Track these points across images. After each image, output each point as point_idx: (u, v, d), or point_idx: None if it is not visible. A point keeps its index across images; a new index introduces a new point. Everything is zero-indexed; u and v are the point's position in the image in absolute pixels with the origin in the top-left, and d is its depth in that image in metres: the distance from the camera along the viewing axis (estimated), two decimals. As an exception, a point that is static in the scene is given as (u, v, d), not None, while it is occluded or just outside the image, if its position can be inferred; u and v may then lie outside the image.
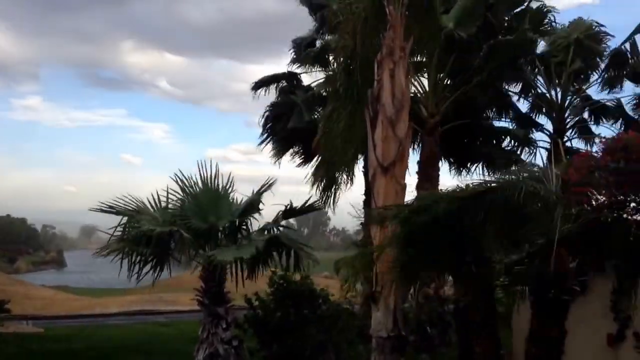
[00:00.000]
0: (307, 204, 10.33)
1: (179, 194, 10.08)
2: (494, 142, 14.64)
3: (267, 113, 14.68)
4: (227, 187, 10.34)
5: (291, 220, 11.50)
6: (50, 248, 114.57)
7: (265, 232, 10.26)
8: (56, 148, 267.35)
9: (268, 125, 14.77)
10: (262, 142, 14.93)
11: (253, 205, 10.33)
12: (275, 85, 15.22)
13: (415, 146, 13.99)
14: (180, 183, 10.13)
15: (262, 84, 15.11)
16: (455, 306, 10.78)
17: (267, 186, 10.48)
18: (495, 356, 7.19)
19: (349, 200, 15.45)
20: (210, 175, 10.28)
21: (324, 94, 14.14)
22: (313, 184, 14.11)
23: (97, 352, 12.77)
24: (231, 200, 10.28)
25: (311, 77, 15.48)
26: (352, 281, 10.20)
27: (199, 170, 10.25)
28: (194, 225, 9.71)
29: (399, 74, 7.42)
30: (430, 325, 11.84)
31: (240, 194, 10.30)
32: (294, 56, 15.31)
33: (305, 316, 10.22)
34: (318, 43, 15.45)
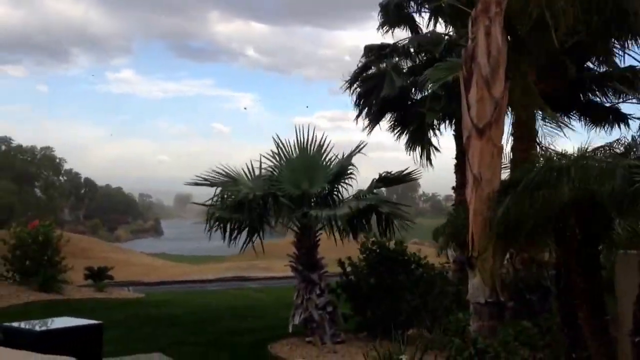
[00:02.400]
0: (403, 173, 10.33)
1: (272, 160, 10.29)
2: (597, 92, 13.73)
3: (357, 87, 14.63)
4: (322, 153, 10.47)
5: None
6: (147, 217, 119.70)
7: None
8: (149, 119, 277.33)
9: (360, 96, 14.71)
10: (358, 115, 14.86)
11: (344, 169, 10.44)
12: (363, 56, 14.99)
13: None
14: (275, 150, 10.34)
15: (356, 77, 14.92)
16: (556, 271, 10.51)
17: (358, 150, 10.53)
18: (600, 322, 7.01)
19: (440, 165, 15.32)
20: (305, 141, 10.42)
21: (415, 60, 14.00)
22: (409, 153, 14.16)
23: (196, 317, 13.30)
24: (325, 166, 10.41)
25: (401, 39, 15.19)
26: (445, 246, 10.18)
27: (296, 136, 10.41)
28: (288, 192, 9.91)
29: (495, 31, 7.21)
30: (529, 292, 11.59)
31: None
32: (382, 19, 15.05)
33: (400, 281, 10.25)
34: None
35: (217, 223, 9.86)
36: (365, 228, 10.66)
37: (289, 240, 11.11)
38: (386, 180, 10.63)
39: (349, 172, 10.62)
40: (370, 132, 14.82)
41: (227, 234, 10.04)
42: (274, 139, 10.52)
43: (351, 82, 14.70)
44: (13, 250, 15.94)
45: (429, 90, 11.69)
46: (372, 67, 14.82)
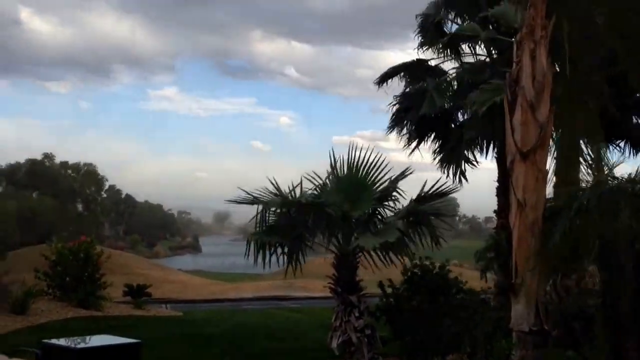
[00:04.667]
0: (441, 189, 10.22)
1: (314, 181, 10.29)
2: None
3: (396, 105, 14.60)
4: (367, 173, 10.45)
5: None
6: (186, 233, 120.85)
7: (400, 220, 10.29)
8: (189, 136, 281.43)
9: (397, 114, 14.67)
10: (391, 129, 14.80)
11: (388, 193, 10.39)
12: (402, 73, 14.98)
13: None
14: (316, 169, 10.35)
15: (389, 75, 14.96)
16: (602, 299, 10.27)
17: (404, 175, 10.48)
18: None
19: (480, 188, 15.17)
20: (350, 161, 10.41)
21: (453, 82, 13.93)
22: (444, 170, 14.07)
23: (233, 337, 13.34)
24: (369, 187, 10.39)
25: (439, 59, 15.12)
26: (487, 269, 10.04)
27: (331, 157, 10.40)
28: (329, 212, 9.89)
29: (540, 55, 7.14)
30: (573, 319, 11.33)
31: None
32: (421, 39, 15.00)
33: (440, 306, 10.13)
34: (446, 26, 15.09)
35: (257, 246, 9.90)
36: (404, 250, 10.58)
37: (328, 259, 11.08)
38: (424, 197, 10.51)
39: (393, 195, 10.57)
40: (412, 152, 14.73)
41: (267, 255, 10.07)
42: (330, 155, 10.57)
43: (396, 100, 14.65)
44: (54, 266, 16.26)
45: (471, 111, 11.58)
46: (411, 86, 14.77)
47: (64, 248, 16.45)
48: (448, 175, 14.32)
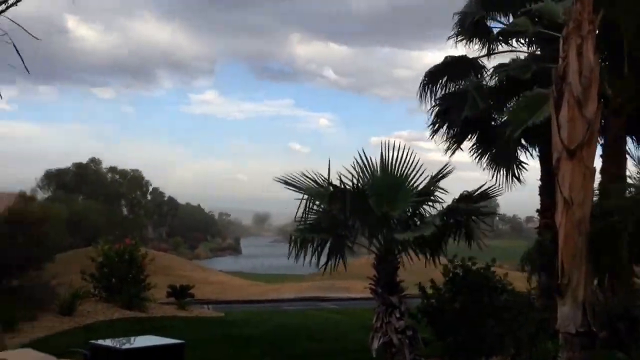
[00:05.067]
0: (484, 190, 9.97)
1: (354, 178, 10.08)
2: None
3: (436, 106, 14.34)
4: (406, 172, 10.24)
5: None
6: (226, 235, 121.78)
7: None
8: (228, 139, 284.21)
9: (438, 115, 14.41)
10: (434, 131, 14.54)
11: (427, 193, 10.18)
12: (445, 74, 14.67)
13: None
14: (358, 167, 10.15)
15: (433, 74, 14.67)
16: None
17: (442, 173, 10.26)
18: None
19: (521, 187, 14.82)
20: (389, 160, 10.21)
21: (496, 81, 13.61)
22: (494, 172, 13.79)
23: (274, 337, 13.26)
24: (408, 187, 10.18)
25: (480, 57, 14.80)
26: (534, 271, 9.74)
27: (382, 154, 10.19)
28: (370, 210, 9.72)
29: (587, 50, 6.89)
30: (618, 320, 10.99)
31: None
32: (459, 37, 14.68)
33: (484, 307, 9.87)
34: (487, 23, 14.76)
35: (300, 245, 9.77)
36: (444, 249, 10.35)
37: (368, 260, 10.93)
38: (467, 199, 10.27)
39: (434, 195, 10.34)
40: (453, 153, 14.44)
41: (310, 253, 9.93)
42: (355, 158, 10.36)
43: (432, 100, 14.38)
44: (100, 268, 16.44)
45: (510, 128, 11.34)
46: (453, 84, 14.49)
47: (110, 250, 16.62)
48: (498, 177, 14.08)
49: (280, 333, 13.91)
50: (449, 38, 14.80)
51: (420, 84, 14.64)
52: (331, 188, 9.72)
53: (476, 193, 9.97)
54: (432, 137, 14.62)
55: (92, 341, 7.81)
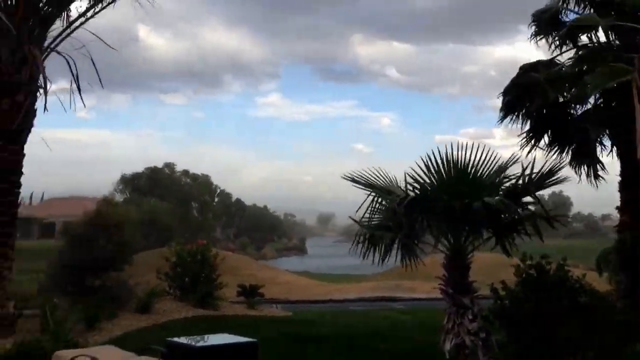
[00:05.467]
0: (548, 174, 9.51)
1: (421, 178, 9.86)
2: None
3: (507, 97, 13.81)
4: (477, 170, 9.94)
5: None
6: (292, 235, 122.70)
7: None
8: (293, 140, 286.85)
9: (507, 109, 13.89)
10: (504, 122, 13.98)
11: (495, 188, 9.86)
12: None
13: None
14: (422, 168, 9.92)
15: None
16: None
17: (507, 166, 9.89)
18: None
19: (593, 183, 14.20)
20: (459, 158, 9.94)
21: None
22: (575, 171, 13.26)
23: (342, 337, 13.17)
24: (476, 183, 9.88)
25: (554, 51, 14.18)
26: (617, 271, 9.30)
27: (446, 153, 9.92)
28: (438, 211, 9.49)
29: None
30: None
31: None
32: (536, 30, 14.13)
33: (560, 308, 9.50)
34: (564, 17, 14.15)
35: (367, 243, 9.63)
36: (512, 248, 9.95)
37: (434, 259, 10.70)
38: (530, 183, 9.82)
39: (499, 189, 10.00)
40: (530, 150, 13.84)
41: (377, 252, 9.78)
42: (422, 158, 10.14)
43: (504, 95, 13.83)
44: (174, 268, 16.77)
45: (590, 104, 10.82)
46: (523, 81, 13.95)
47: (183, 250, 16.94)
48: (580, 176, 13.54)
49: (349, 333, 13.81)
50: (530, 38, 14.27)
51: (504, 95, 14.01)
52: (399, 187, 9.56)
53: (537, 175, 9.51)
54: (500, 129, 14.17)
55: (169, 339, 7.91)
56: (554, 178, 9.45)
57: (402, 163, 9.95)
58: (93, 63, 13.32)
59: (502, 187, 9.70)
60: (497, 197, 9.06)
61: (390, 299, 23.99)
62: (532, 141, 13.82)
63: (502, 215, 9.35)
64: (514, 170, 9.75)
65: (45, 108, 13.17)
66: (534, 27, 14.11)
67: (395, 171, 9.57)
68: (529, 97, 12.99)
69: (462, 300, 9.69)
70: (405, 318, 17.47)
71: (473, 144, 9.85)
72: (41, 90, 13.06)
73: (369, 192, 9.67)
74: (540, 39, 14.03)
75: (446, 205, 9.45)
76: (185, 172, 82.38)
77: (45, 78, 12.89)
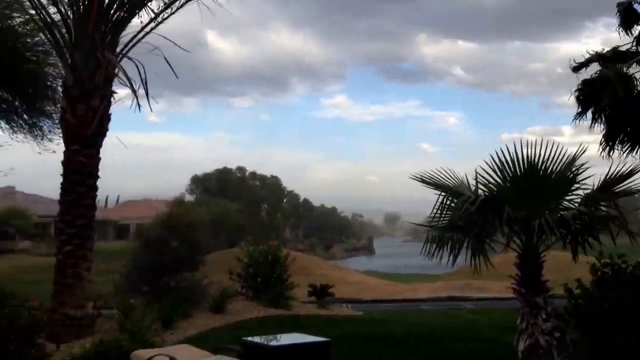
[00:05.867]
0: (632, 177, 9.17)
1: (492, 177, 9.70)
2: None
3: (579, 93, 13.35)
4: (549, 169, 9.70)
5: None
6: (360, 235, 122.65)
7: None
8: (359, 141, 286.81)
9: (582, 104, 13.40)
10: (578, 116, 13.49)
11: (567, 187, 9.60)
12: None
13: None
14: (496, 165, 9.75)
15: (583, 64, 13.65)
16: None
17: (574, 160, 9.57)
18: None
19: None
20: (529, 156, 9.72)
21: None
22: None
23: (413, 336, 13.09)
24: (550, 183, 9.64)
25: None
26: None
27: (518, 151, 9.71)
28: (510, 210, 9.31)
29: None
30: None
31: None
32: (621, 22, 13.55)
33: (638, 308, 9.18)
34: None
35: (437, 243, 9.53)
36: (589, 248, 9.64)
37: (504, 258, 10.50)
38: (611, 185, 9.47)
39: (574, 188, 9.72)
40: (610, 152, 13.34)
41: (448, 252, 9.67)
42: (491, 156, 9.96)
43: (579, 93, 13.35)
44: (246, 268, 17.06)
45: None
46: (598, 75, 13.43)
47: (254, 251, 17.21)
48: None
49: (420, 332, 13.72)
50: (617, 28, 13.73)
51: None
52: (469, 187, 9.44)
53: (618, 175, 9.18)
54: (569, 127, 13.69)
55: (244, 338, 8.09)
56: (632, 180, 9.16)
57: (469, 162, 9.79)
58: (170, 66, 13.56)
59: (579, 193, 9.46)
60: (572, 211, 8.83)
61: (460, 298, 23.68)
62: (610, 142, 13.30)
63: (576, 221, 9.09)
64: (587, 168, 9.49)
65: (138, 106, 13.40)
66: (620, 20, 13.54)
67: (462, 170, 9.44)
68: (602, 94, 12.51)
69: (535, 299, 9.50)
70: (476, 318, 17.20)
71: (542, 140, 9.65)
72: (115, 96, 13.46)
73: (438, 193, 9.58)
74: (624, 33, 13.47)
75: (516, 205, 9.29)
76: (254, 174, 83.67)
77: (129, 79, 13.18)
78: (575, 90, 13.26)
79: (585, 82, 13.15)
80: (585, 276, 10.18)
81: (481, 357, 11.02)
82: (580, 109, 13.28)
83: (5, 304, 9.56)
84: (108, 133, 13.57)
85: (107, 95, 13.32)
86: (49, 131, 21.65)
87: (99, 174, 13.45)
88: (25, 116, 26.32)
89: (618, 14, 13.33)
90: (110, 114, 13.51)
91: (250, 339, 8.11)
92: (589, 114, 13.31)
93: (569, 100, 13.39)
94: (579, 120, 13.42)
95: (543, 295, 9.56)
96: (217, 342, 9.90)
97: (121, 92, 13.85)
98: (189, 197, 72.03)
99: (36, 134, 26.24)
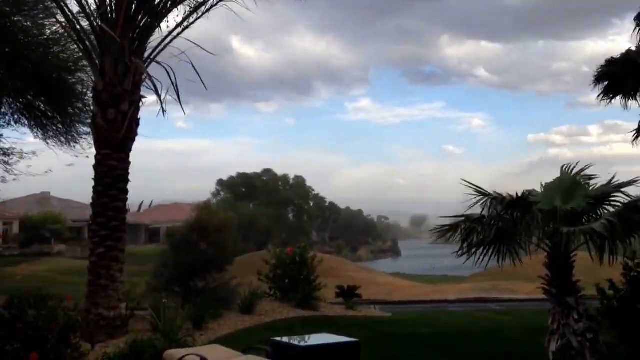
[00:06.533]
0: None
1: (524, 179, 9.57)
2: None
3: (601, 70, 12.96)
4: (579, 172, 9.51)
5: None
6: (386, 237, 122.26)
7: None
8: (383, 144, 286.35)
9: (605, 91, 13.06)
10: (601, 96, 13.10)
11: (606, 195, 9.36)
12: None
13: None
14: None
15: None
16: None
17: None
18: None
19: None
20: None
21: None
22: None
23: (442, 337, 12.96)
24: (583, 186, 9.45)
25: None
26: None
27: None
28: (539, 209, 9.14)
29: None
30: None
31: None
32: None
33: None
34: None
35: (466, 238, 9.38)
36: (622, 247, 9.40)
37: (533, 259, 10.31)
38: None
39: (611, 197, 9.47)
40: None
41: (477, 255, 9.51)
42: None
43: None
44: (274, 270, 17.05)
45: None
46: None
47: (282, 253, 17.20)
48: None
49: (449, 333, 13.57)
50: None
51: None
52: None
53: None
54: (597, 125, 13.44)
55: (274, 338, 8.06)
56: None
57: (495, 163, 9.64)
58: (196, 71, 13.60)
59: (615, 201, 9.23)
60: (603, 221, 8.60)
61: (488, 300, 23.38)
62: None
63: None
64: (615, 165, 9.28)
65: (163, 111, 13.45)
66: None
67: (488, 171, 9.30)
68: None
69: (566, 300, 9.30)
70: (505, 319, 16.95)
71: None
72: (143, 100, 13.55)
73: (474, 195, 9.46)
74: None
75: (546, 206, 9.12)
76: (281, 177, 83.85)
77: (154, 84, 13.28)
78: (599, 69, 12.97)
79: (609, 62, 12.85)
80: (616, 277, 9.97)
81: (512, 358, 10.85)
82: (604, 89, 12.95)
83: (43, 305, 9.64)
84: (139, 139, 13.68)
85: (135, 100, 13.42)
86: (82, 137, 21.93)
87: (135, 180, 13.60)
88: (58, 123, 26.74)
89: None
90: (139, 119, 13.61)
91: (279, 339, 8.10)
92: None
93: (592, 94, 13.12)
94: (605, 100, 13.13)
95: (574, 296, 9.36)
96: (247, 342, 9.89)
97: (151, 98, 13.94)
98: (216, 201, 72.44)
99: (70, 139, 26.66)
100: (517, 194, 9.48)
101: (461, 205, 9.62)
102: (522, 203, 9.27)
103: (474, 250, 9.42)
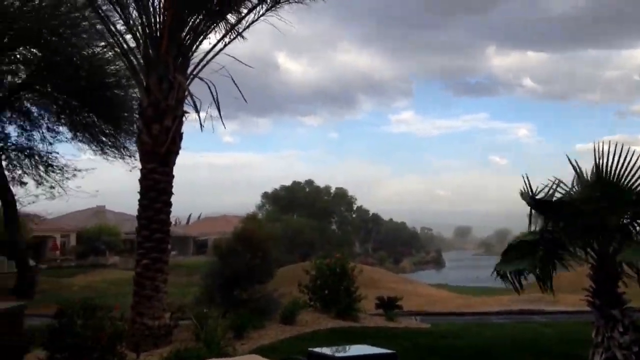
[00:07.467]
0: None
1: (565, 187, 9.21)
2: None
3: None
4: (625, 178, 9.11)
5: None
6: (429, 249, 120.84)
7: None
8: (426, 155, 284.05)
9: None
10: None
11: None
12: None
13: None
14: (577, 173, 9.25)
15: None
16: None
17: None
18: None
19: None
20: (603, 166, 9.16)
21: None
22: None
23: (486, 350, 12.57)
24: (625, 191, 9.05)
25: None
26: None
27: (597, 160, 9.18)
28: (584, 221, 8.79)
29: None
30: None
31: None
32: None
33: None
34: None
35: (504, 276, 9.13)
36: None
37: (578, 272, 9.92)
38: None
39: None
40: None
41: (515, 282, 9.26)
42: (572, 164, 9.46)
43: None
44: (314, 280, 16.92)
45: None
46: None
47: (322, 264, 17.06)
48: None
49: (492, 346, 13.16)
50: None
51: None
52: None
53: None
54: None
55: (311, 349, 7.91)
56: None
57: (542, 174, 9.33)
58: (235, 85, 13.66)
59: None
60: None
61: (532, 312, 22.75)
62: None
63: None
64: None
65: (201, 126, 13.40)
66: None
67: (534, 181, 8.99)
68: None
69: (611, 312, 8.91)
70: (549, 331, 16.41)
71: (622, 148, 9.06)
72: (186, 115, 13.66)
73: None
74: None
75: (591, 217, 8.77)
76: (324, 189, 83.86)
77: (194, 101, 13.38)
78: None
79: None
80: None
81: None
82: None
83: (92, 315, 9.74)
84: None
85: (179, 115, 13.53)
86: (136, 151, 22.36)
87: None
88: (112, 138, 27.42)
89: None
90: (182, 133, 13.73)
91: (317, 349, 7.93)
92: None
93: None
94: None
95: (619, 308, 8.96)
96: (286, 352, 9.78)
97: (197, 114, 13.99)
98: (261, 213, 72.78)
99: (123, 153, 27.29)
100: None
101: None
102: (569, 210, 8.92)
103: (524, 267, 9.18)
